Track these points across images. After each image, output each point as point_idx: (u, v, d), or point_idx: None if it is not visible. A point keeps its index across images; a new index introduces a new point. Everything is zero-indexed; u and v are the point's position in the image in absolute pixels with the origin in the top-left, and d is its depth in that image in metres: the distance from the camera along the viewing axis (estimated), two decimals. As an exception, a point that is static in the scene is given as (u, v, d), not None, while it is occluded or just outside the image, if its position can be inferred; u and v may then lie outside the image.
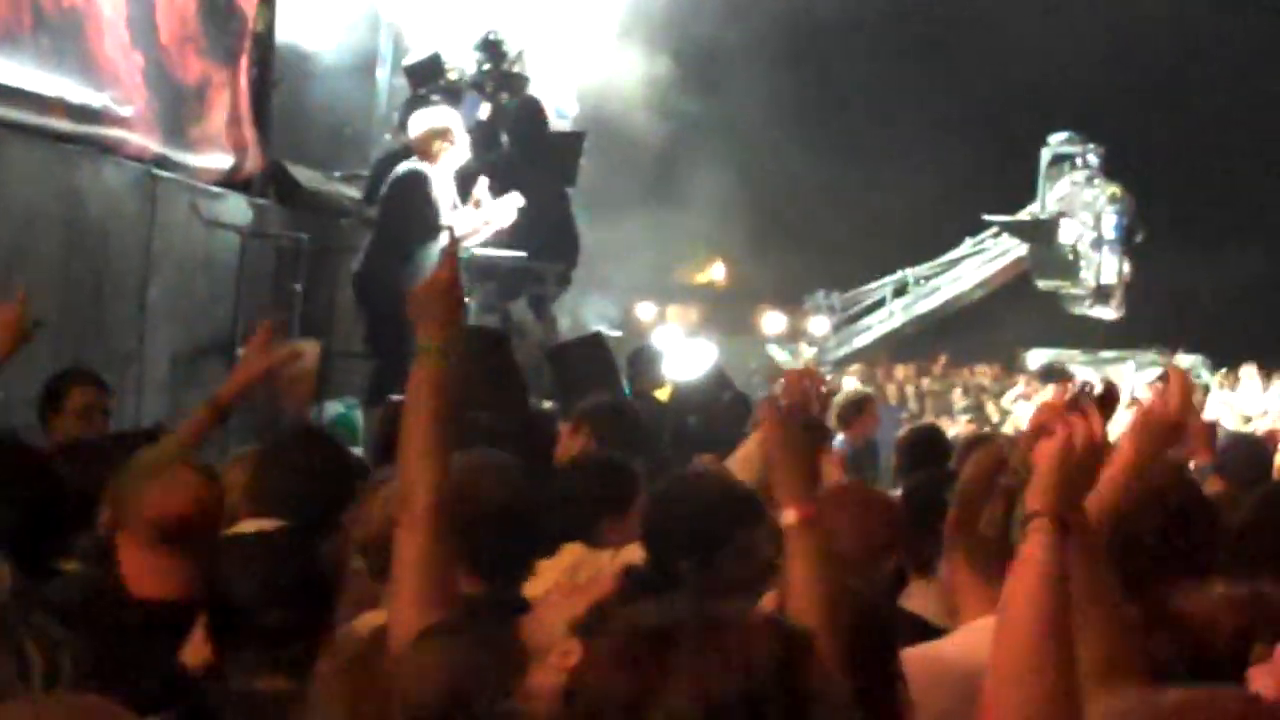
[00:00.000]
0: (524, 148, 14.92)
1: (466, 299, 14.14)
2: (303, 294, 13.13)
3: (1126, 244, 22.51)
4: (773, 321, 24.19)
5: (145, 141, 11.44)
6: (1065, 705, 2.93)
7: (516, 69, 15.63)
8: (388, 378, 12.37)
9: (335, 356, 14.49)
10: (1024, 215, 22.70)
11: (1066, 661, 2.95)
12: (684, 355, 13.93)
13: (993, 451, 4.21)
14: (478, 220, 12.93)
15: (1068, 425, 3.13)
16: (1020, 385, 27.54)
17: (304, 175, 14.19)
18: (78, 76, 10.54)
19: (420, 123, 13.13)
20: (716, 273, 24.38)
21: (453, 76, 15.08)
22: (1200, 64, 30.11)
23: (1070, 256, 22.01)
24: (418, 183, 12.64)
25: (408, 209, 12.63)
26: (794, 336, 26.43)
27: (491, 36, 15.22)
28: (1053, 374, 28.75)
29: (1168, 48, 26.07)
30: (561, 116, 18.19)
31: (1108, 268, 22.05)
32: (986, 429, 19.57)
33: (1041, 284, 22.25)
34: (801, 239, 26.47)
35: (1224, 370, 27.03)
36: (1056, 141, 22.54)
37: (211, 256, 12.36)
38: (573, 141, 16.09)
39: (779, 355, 25.43)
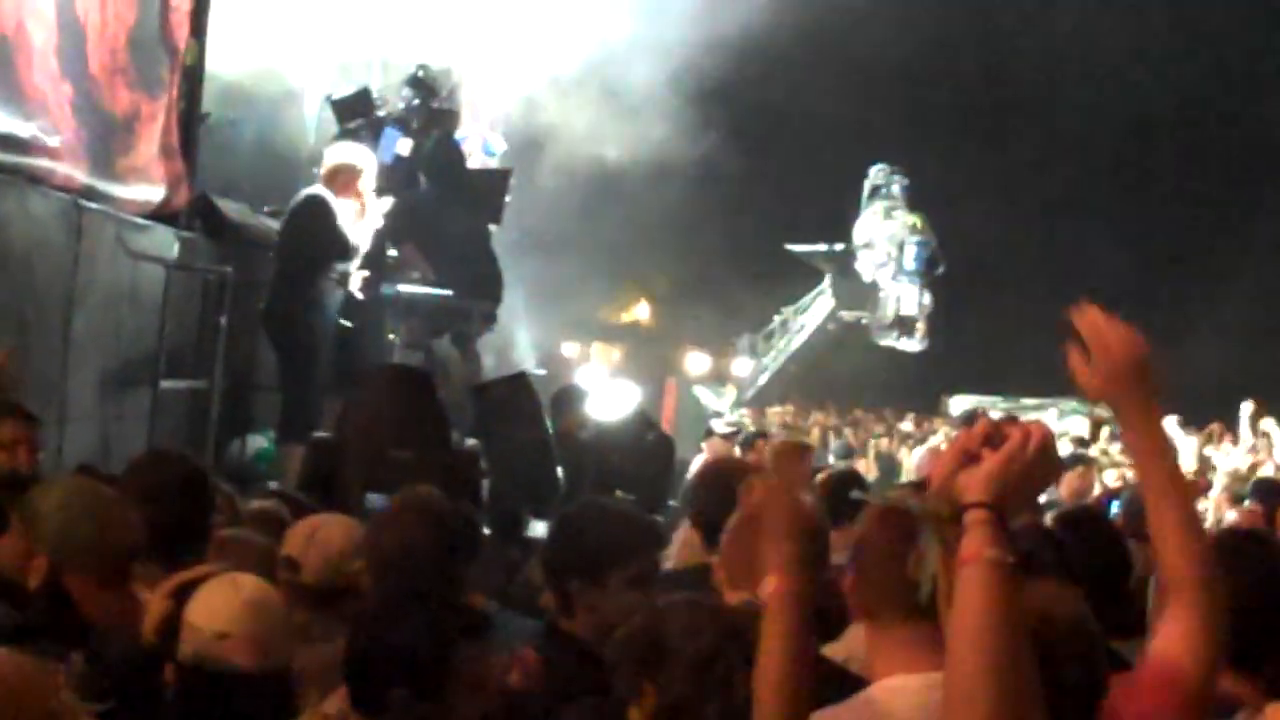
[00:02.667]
0: (441, 186, 14.95)
1: (390, 336, 14.23)
2: (227, 327, 13.11)
3: (927, 275, 22.46)
4: (697, 362, 24.23)
5: (72, 172, 11.40)
6: (1028, 699, 2.87)
7: (446, 106, 15.67)
8: (297, 412, 12.40)
9: (259, 390, 14.48)
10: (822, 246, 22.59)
11: (1023, 656, 2.89)
12: (608, 395, 13.96)
13: (889, 505, 4.09)
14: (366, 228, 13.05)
15: (1024, 429, 3.09)
16: (940, 434, 27.71)
17: (230, 209, 14.18)
18: (5, 106, 10.49)
19: (331, 156, 13.21)
20: (641, 313, 24.42)
21: (380, 113, 15.13)
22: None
23: (870, 287, 21.96)
24: (316, 210, 12.67)
25: (306, 237, 12.66)
26: (718, 377, 26.46)
27: (421, 73, 15.28)
28: (974, 420, 28.94)
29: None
30: (489, 154, 18.26)
31: (908, 299, 22.02)
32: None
33: (845, 315, 22.21)
34: (725, 281, 26.58)
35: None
36: (874, 173, 22.53)
37: (137, 288, 12.32)
38: (498, 179, 16.14)
39: (705, 397, 25.49)
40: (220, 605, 4.40)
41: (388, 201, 13.45)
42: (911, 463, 25.54)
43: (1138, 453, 3.57)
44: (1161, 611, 3.45)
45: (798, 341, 23.92)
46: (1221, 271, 35.49)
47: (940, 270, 22.79)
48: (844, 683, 4.54)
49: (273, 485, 12.53)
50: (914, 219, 22.12)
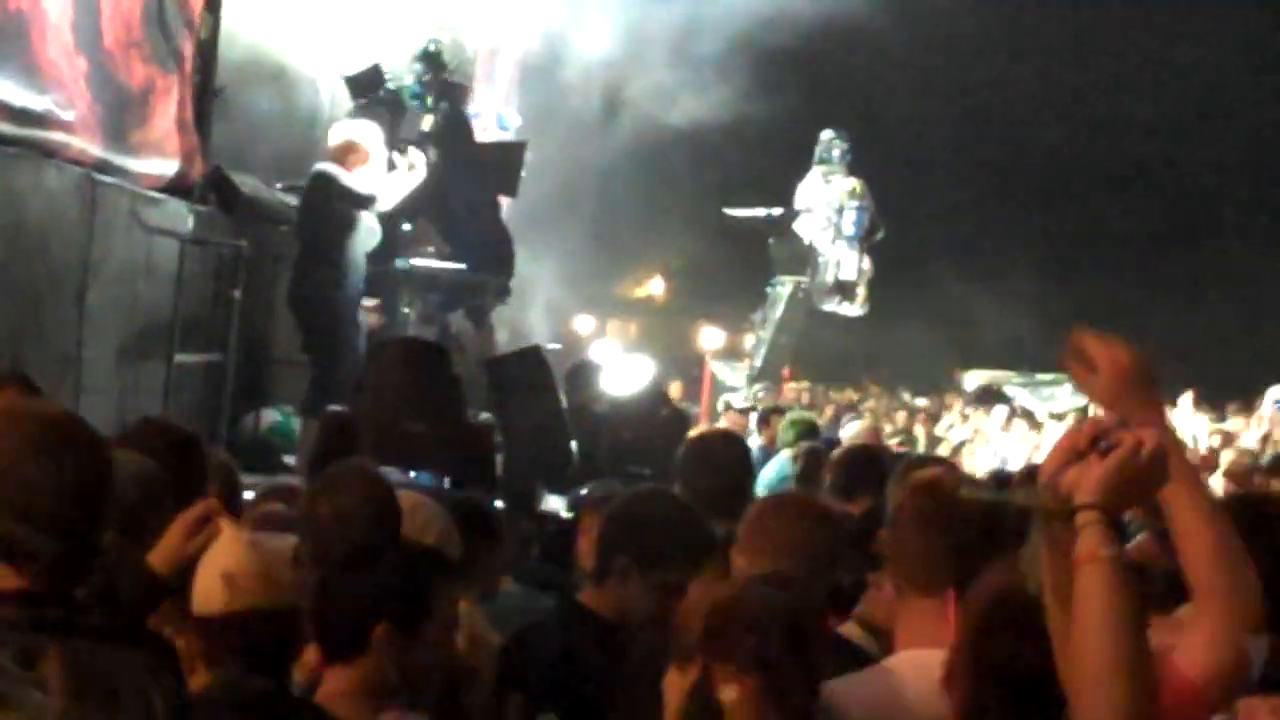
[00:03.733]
0: (451, 159, 14.94)
1: (405, 309, 14.25)
2: (241, 301, 13.12)
3: (866, 240, 22.34)
4: (711, 337, 24.25)
5: (87, 146, 11.41)
6: (1150, 689, 3.02)
7: (456, 79, 15.65)
8: (324, 387, 12.42)
9: (274, 364, 14.51)
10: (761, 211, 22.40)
11: (1144, 653, 3.04)
12: (622, 370, 13.98)
13: (929, 483, 4.22)
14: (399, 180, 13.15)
15: (1137, 437, 3.16)
16: (955, 412, 27.67)
17: (245, 183, 14.19)
18: (20, 80, 10.50)
19: (337, 133, 13.24)
20: (655, 287, 24.43)
21: (392, 86, 15.10)
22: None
23: (809, 252, 21.82)
24: (326, 181, 12.71)
25: (324, 210, 12.70)
26: (733, 352, 26.46)
27: (431, 47, 15.24)
28: (988, 396, 28.91)
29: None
30: (504, 128, 18.24)
31: (847, 263, 21.90)
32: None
33: (781, 280, 22.04)
34: (741, 254, 26.61)
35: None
36: (826, 138, 22.36)
37: (151, 262, 12.33)
38: (514, 152, 16.11)
39: (722, 372, 25.48)
40: (229, 545, 4.42)
41: (399, 177, 13.49)
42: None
43: None
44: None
45: (778, 312, 23.88)
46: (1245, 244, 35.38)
47: (880, 236, 22.68)
48: (856, 657, 4.57)
49: (289, 459, 12.60)
50: (854, 184, 21.95)
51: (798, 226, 21.70)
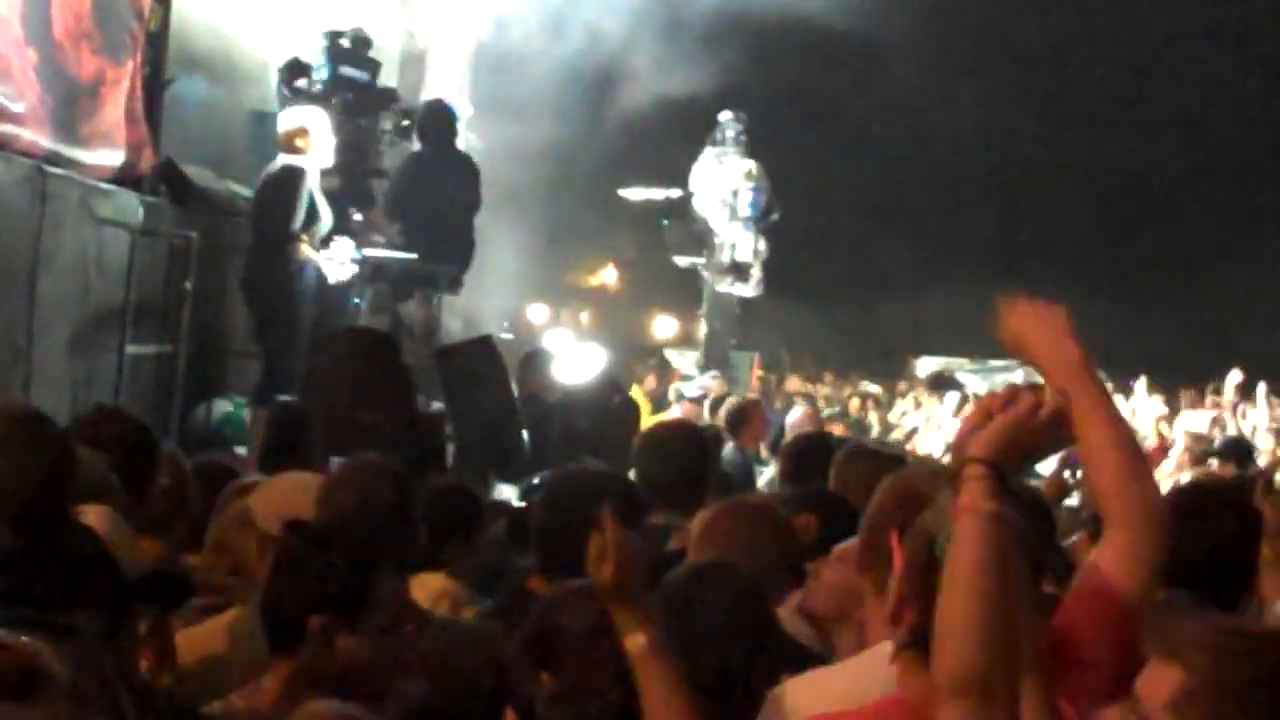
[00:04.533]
0: (435, 150, 14.97)
1: (357, 300, 14.25)
2: (192, 292, 13.13)
3: (761, 221, 22.38)
4: (664, 325, 24.31)
5: (36, 138, 11.40)
6: (1013, 646, 3.00)
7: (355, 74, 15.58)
8: (275, 377, 12.44)
9: (226, 355, 14.50)
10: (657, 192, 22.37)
11: (1011, 605, 3.01)
12: (574, 359, 14.01)
13: (902, 479, 4.22)
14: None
15: (1038, 395, 3.25)
16: (909, 398, 27.77)
17: (195, 174, 14.18)
18: (-32, 72, 10.51)
19: (285, 120, 13.26)
20: (608, 276, 24.46)
21: (323, 75, 14.98)
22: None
23: (705, 232, 21.87)
24: (287, 178, 12.76)
25: (279, 205, 12.73)
26: (686, 340, 26.49)
27: (350, 36, 15.12)
28: (941, 383, 29.01)
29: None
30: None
31: (743, 245, 21.95)
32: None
33: (678, 260, 22.06)
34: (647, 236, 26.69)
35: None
36: (723, 119, 22.37)
37: (102, 253, 12.32)
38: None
39: (676, 360, 25.50)
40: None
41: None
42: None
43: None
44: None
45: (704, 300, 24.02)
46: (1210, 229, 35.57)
47: (775, 217, 22.73)
48: (803, 657, 4.56)
49: (240, 450, 12.61)
50: (750, 166, 21.98)
51: (697, 207, 21.67)
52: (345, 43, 14.90)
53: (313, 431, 9.02)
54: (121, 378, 12.39)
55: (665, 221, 22.36)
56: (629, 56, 21.69)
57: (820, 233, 34.36)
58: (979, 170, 36.63)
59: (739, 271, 21.94)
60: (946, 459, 3.79)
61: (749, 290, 22.45)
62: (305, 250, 12.75)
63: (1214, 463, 14.84)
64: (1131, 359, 25.35)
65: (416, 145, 15.28)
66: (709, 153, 21.96)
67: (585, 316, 22.05)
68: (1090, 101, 35.72)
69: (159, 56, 13.80)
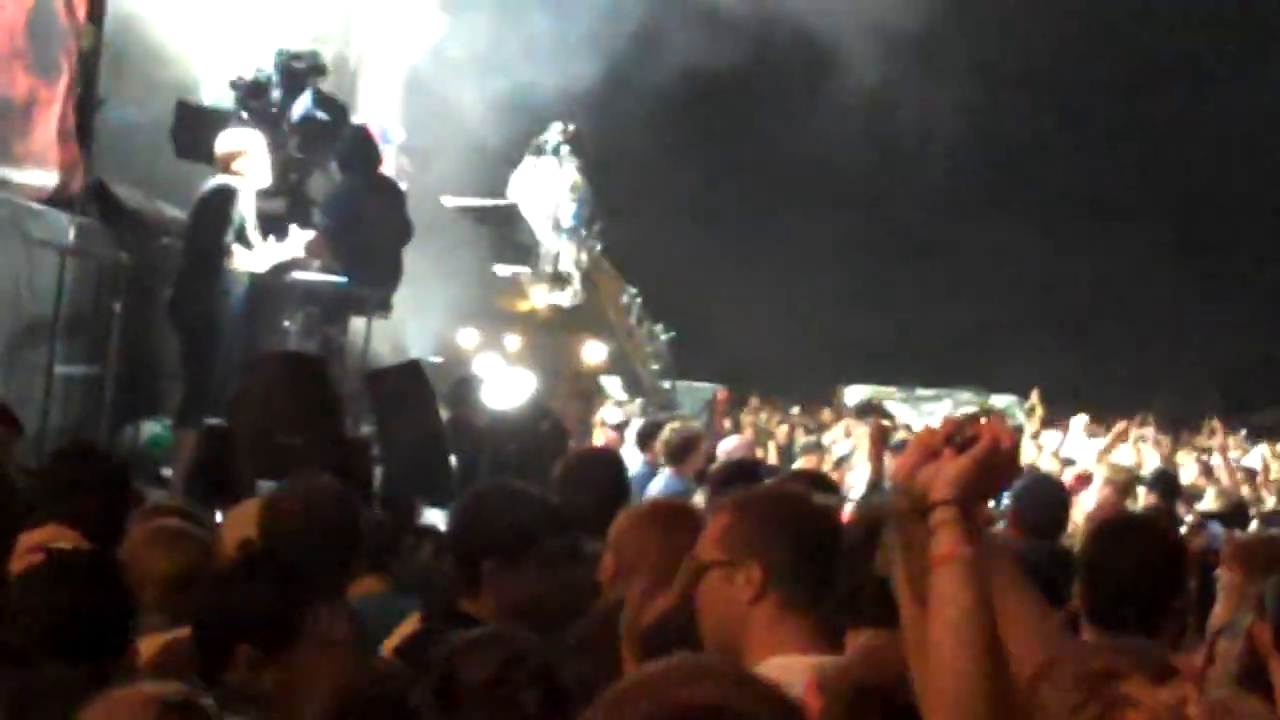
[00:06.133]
0: (355, 176, 15.01)
1: (286, 324, 14.27)
2: (122, 313, 13.12)
3: (584, 232, 22.51)
4: (594, 351, 24.31)
5: (-33, 157, 11.43)
6: (1009, 686, 2.96)
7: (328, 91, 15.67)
8: (200, 399, 12.45)
9: (155, 377, 14.48)
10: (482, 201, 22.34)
11: (1000, 652, 2.98)
12: (503, 384, 14.06)
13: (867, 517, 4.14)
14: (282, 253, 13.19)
15: (990, 428, 3.13)
16: (840, 426, 27.90)
17: (126, 194, 14.18)
18: (-100, 90, 10.51)
19: (223, 143, 13.28)
20: (538, 301, 24.44)
21: (275, 95, 15.04)
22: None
23: (528, 242, 21.93)
24: (221, 199, 12.78)
25: (212, 226, 12.75)
26: (616, 366, 26.52)
27: (306, 59, 15.18)
28: (869, 410, 29.17)
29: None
30: (387, 142, 18.27)
31: (565, 255, 22.10)
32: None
33: (498, 269, 22.12)
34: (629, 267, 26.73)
35: (1029, 408, 27.65)
36: (553, 128, 22.41)
37: (32, 274, 12.32)
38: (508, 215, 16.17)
39: (610, 386, 25.51)
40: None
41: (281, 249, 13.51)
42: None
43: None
44: None
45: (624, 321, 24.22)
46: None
47: (598, 228, 22.90)
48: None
49: (166, 472, 12.60)
50: (574, 177, 22.06)
51: (526, 216, 21.69)
52: (299, 65, 14.95)
53: (240, 454, 9.05)
54: (50, 398, 12.36)
55: (487, 230, 22.24)
56: (572, 74, 21.75)
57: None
58: (913, 196, 36.84)
59: (559, 281, 21.99)
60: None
61: (566, 299, 22.51)
62: (237, 259, 12.74)
63: (1141, 492, 15.06)
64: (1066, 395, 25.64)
65: (336, 171, 15.31)
66: (528, 162, 21.93)
67: (515, 341, 22.04)
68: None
69: (91, 76, 13.80)
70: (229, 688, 4.31)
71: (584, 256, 22.39)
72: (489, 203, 21.12)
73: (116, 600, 4.59)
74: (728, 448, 15.38)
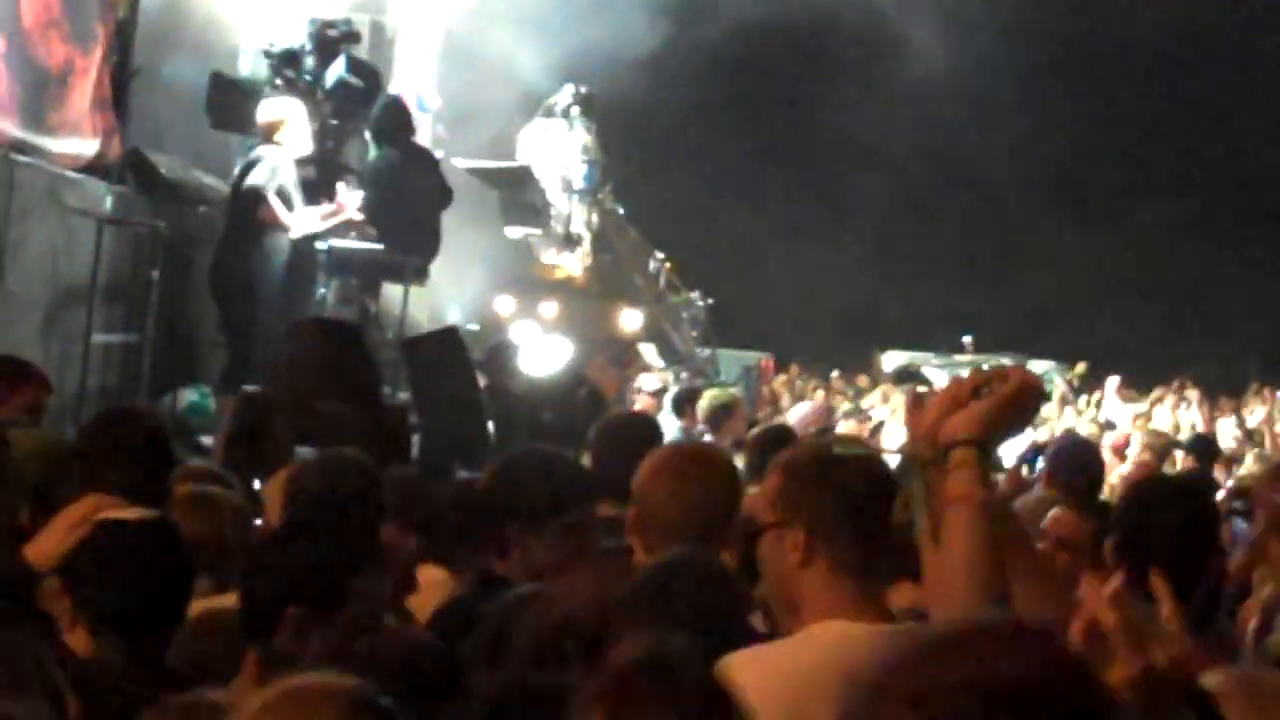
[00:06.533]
0: (392, 148, 15.00)
1: (323, 290, 14.29)
2: (159, 281, 13.15)
3: (595, 195, 22.37)
4: (631, 318, 24.27)
5: (5, 126, 11.43)
6: None
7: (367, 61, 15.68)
8: (241, 366, 12.48)
9: (192, 344, 14.52)
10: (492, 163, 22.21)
11: (1002, 596, 3.01)
12: (541, 351, 14.07)
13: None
14: (328, 213, 13.21)
15: (1017, 372, 3.22)
16: (877, 392, 27.84)
17: (163, 163, 14.20)
18: (-64, 59, 10.53)
19: (265, 112, 13.31)
20: (575, 268, 24.39)
21: (309, 64, 15.04)
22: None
23: (540, 204, 21.79)
24: (265, 167, 12.81)
25: (257, 193, 12.76)
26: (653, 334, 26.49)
27: (340, 27, 15.19)
28: (907, 376, 29.09)
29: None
30: (424, 110, 18.26)
31: (576, 217, 21.97)
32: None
33: (509, 231, 21.98)
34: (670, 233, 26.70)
35: (1078, 373, 27.58)
36: (565, 92, 22.27)
37: (69, 243, 12.36)
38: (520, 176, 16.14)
39: (648, 354, 25.48)
40: None
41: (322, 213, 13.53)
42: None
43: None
44: None
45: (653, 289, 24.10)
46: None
47: (609, 188, 22.77)
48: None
49: (205, 440, 12.63)
50: (585, 139, 21.94)
51: (539, 178, 21.59)
52: (333, 33, 14.97)
53: (278, 421, 9.05)
54: (88, 366, 12.41)
55: (499, 193, 22.13)
56: (591, 45, 21.69)
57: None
58: (940, 172, 36.67)
59: (569, 243, 21.92)
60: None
61: (576, 263, 22.44)
62: (283, 222, 12.77)
63: (1179, 455, 15.09)
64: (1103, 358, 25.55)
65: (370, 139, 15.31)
66: (538, 123, 21.84)
67: (552, 308, 22.02)
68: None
69: (127, 45, 13.81)
70: (275, 651, 4.31)
71: (595, 218, 22.32)
72: (500, 164, 21.04)
73: (182, 568, 4.59)
74: (801, 414, 15.38)
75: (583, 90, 22.02)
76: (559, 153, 21.64)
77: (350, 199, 13.51)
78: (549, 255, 21.99)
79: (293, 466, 6.52)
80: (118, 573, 4.43)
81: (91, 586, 4.39)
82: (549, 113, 21.86)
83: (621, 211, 23.91)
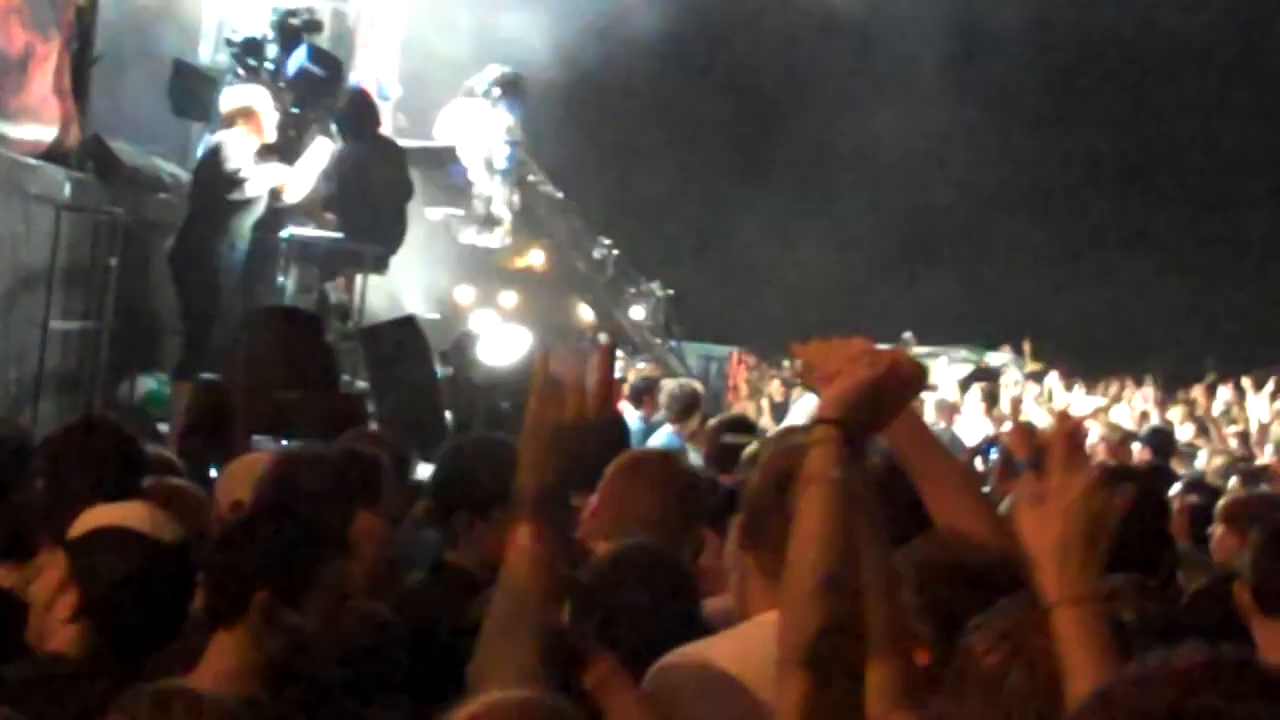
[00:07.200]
0: (360, 139, 14.98)
1: (282, 279, 14.29)
2: (118, 269, 13.13)
3: (517, 175, 22.42)
4: (590, 310, 24.36)
5: (-38, 112, 11.42)
6: (851, 628, 2.92)
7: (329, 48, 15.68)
8: (198, 353, 12.48)
9: (151, 332, 14.49)
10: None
11: (851, 587, 2.92)
12: (500, 340, 14.09)
13: (782, 456, 3.98)
14: (293, 172, 13.25)
15: (893, 355, 3.12)
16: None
17: (122, 150, 14.18)
18: (-105, 45, 10.50)
19: (229, 99, 13.34)
20: (535, 259, 24.44)
21: (271, 53, 15.02)
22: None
23: (461, 185, 21.80)
24: (227, 155, 12.82)
25: (216, 180, 12.78)
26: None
27: (303, 18, 15.18)
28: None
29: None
30: (384, 98, 18.24)
31: (498, 198, 22.02)
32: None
33: (429, 212, 22.02)
34: (628, 225, 26.74)
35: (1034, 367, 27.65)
36: (488, 72, 22.26)
37: (28, 229, 12.33)
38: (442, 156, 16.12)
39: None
40: None
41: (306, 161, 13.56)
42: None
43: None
44: None
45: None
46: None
47: (530, 178, 22.84)
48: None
49: (163, 428, 12.62)
50: (509, 120, 21.94)
51: (462, 157, 21.55)
52: (295, 21, 14.95)
53: (235, 409, 9.07)
54: (45, 353, 12.38)
55: (419, 173, 22.11)
56: (554, 31, 21.69)
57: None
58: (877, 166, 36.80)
59: (489, 223, 21.91)
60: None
61: (494, 242, 22.43)
62: (278, 176, 12.86)
63: (1135, 447, 15.18)
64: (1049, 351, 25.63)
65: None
66: (459, 103, 21.78)
67: (511, 298, 22.07)
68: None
69: (88, 32, 13.78)
70: (241, 635, 4.33)
71: (516, 199, 22.29)
72: (421, 144, 21.03)
73: (190, 589, 4.61)
74: (804, 410, 15.41)
75: (507, 71, 21.95)
76: (481, 133, 21.56)
77: (321, 146, 13.61)
78: (467, 235, 21.91)
79: (253, 455, 6.54)
80: (136, 590, 4.44)
81: (107, 594, 4.41)
82: (469, 93, 21.78)
83: (560, 196, 23.89)
